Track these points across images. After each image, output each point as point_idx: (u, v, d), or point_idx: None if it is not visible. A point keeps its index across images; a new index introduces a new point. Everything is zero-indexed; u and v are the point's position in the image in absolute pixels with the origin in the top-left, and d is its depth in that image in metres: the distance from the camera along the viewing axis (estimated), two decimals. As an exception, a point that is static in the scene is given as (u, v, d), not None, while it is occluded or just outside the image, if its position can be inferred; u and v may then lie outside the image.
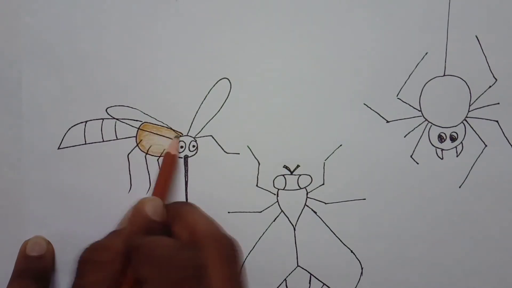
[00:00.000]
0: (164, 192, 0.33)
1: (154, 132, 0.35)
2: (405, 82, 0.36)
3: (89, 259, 0.28)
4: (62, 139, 0.34)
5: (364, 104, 0.36)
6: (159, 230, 0.30)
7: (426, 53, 0.36)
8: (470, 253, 0.38)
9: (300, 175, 0.36)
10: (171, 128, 0.35)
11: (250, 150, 0.36)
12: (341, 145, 0.36)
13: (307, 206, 0.37)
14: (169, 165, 0.34)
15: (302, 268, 0.37)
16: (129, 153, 0.35)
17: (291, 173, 0.36)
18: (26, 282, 0.33)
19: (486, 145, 0.37)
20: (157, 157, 0.35)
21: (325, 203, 0.37)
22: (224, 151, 0.36)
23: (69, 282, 0.35)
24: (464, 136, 0.37)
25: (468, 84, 0.36)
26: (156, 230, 0.30)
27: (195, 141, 0.35)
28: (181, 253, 0.27)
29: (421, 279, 0.38)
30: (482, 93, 0.37)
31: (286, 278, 0.37)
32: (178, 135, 0.35)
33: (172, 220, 0.31)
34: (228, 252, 0.28)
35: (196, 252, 0.28)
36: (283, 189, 0.36)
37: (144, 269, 0.27)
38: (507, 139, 0.37)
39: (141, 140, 0.35)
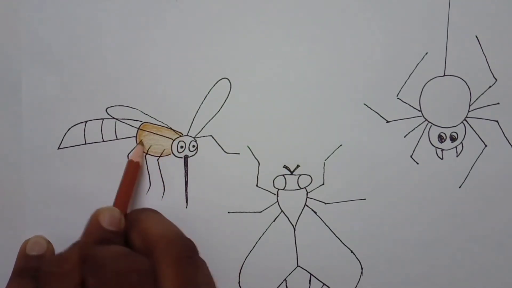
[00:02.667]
0: (125, 201, 0.33)
1: (154, 132, 0.35)
2: (405, 82, 0.36)
3: (49, 271, 0.28)
4: (62, 139, 0.34)
5: (364, 104, 0.36)
6: (116, 240, 0.30)
7: (426, 53, 0.36)
8: (470, 253, 0.38)
9: (300, 175, 0.36)
10: (171, 128, 0.35)
11: (250, 150, 0.36)
12: (341, 145, 0.36)
13: (307, 206, 0.37)
14: (130, 173, 0.33)
15: (302, 268, 0.37)
16: (129, 153, 0.35)
17: (291, 173, 0.36)
18: (25, 281, 0.33)
19: (486, 145, 0.37)
20: (157, 157, 0.35)
21: (325, 203, 0.37)
22: (224, 151, 0.36)
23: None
24: (464, 136, 0.37)
25: (468, 84, 0.36)
26: (113, 240, 0.29)
27: (195, 141, 0.35)
28: (127, 259, 0.27)
29: (421, 279, 0.38)
30: (482, 93, 0.37)
31: (286, 278, 0.37)
32: (141, 142, 0.34)
33: (129, 227, 0.30)
34: (181, 254, 0.28)
35: (144, 257, 0.27)
36: (283, 189, 0.36)
37: (93, 279, 0.27)
38: (507, 139, 0.37)
39: (141, 140, 0.35)
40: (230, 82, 0.35)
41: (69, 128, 0.34)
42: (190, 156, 0.35)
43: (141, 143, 0.34)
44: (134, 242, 0.30)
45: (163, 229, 0.29)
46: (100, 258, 0.27)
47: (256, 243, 0.36)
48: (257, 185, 0.36)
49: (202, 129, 0.35)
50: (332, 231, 0.37)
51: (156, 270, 0.27)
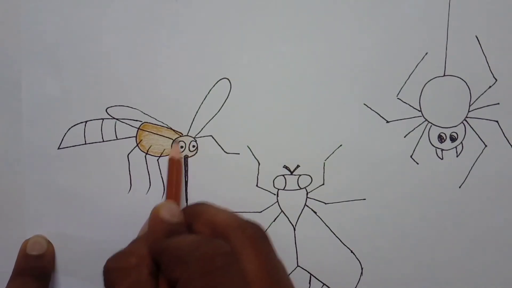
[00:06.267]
0: (177, 195, 0.33)
1: (154, 132, 0.35)
2: (405, 82, 0.36)
3: (115, 267, 0.28)
4: (62, 139, 0.34)
5: (364, 104, 0.36)
6: (181, 231, 0.30)
7: (426, 53, 0.36)
8: (470, 253, 0.38)
9: (300, 175, 0.36)
10: (171, 128, 0.35)
11: (250, 150, 0.36)
12: (341, 145, 0.36)
13: (307, 206, 0.37)
14: (175, 170, 0.34)
15: (302, 268, 0.37)
16: (129, 153, 0.35)
17: (291, 173, 0.36)
18: (26, 281, 0.33)
19: (486, 145, 0.37)
20: (157, 157, 0.35)
21: (325, 203, 0.37)
22: (224, 151, 0.36)
23: (69, 282, 0.36)
24: (464, 136, 0.37)
25: (468, 84, 0.36)
26: (179, 231, 0.30)
27: (195, 141, 0.35)
28: (207, 244, 0.27)
29: (421, 279, 0.38)
30: (482, 93, 0.37)
31: (286, 278, 0.37)
32: (178, 139, 0.35)
33: (191, 220, 0.31)
34: (255, 235, 0.28)
35: (222, 241, 0.27)
36: (283, 189, 0.36)
37: (174, 271, 0.27)
38: (507, 139, 0.37)
39: (141, 140, 0.35)
40: (230, 82, 0.35)
41: (69, 128, 0.34)
42: (190, 156, 0.35)
43: (176, 141, 0.35)
44: (201, 233, 0.30)
45: (229, 215, 0.30)
46: (180, 248, 0.27)
47: (256, 243, 0.36)
48: (257, 185, 0.36)
49: (202, 129, 0.35)
50: (332, 231, 0.37)
51: (236, 253, 0.27)
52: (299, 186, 0.36)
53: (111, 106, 0.34)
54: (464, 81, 0.36)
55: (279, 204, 0.36)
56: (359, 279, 0.37)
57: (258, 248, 0.28)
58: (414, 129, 0.37)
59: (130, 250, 0.29)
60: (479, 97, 0.37)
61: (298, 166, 0.36)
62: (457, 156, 0.37)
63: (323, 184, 0.36)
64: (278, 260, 0.28)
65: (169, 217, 0.30)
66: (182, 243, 0.28)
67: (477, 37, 0.36)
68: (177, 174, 0.34)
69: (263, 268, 0.27)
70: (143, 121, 0.35)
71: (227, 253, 0.27)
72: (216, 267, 0.26)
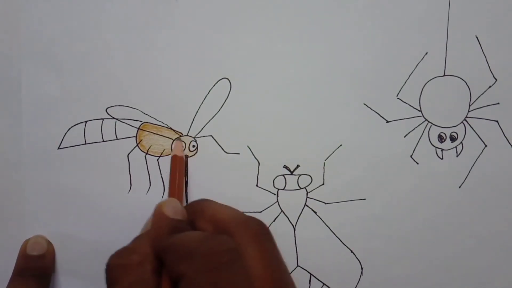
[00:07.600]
0: (179, 192, 0.33)
1: (154, 132, 0.35)
2: (405, 82, 0.36)
3: (118, 264, 0.28)
4: (62, 139, 0.34)
5: (364, 104, 0.36)
6: (185, 228, 0.30)
7: (426, 53, 0.36)
8: (470, 253, 0.38)
9: (300, 175, 0.36)
10: (171, 128, 0.35)
11: (250, 150, 0.36)
12: (341, 145, 0.36)
13: (307, 206, 0.37)
14: (178, 167, 0.34)
15: (302, 268, 0.37)
16: (129, 153, 0.35)
17: (291, 173, 0.36)
18: (26, 281, 0.33)
19: (486, 145, 0.37)
20: (157, 157, 0.35)
21: (325, 203, 0.37)
22: (224, 151, 0.36)
23: (69, 282, 0.35)
24: (464, 136, 0.37)
25: (468, 84, 0.36)
26: (182, 228, 0.29)
27: (195, 141, 0.35)
28: (212, 240, 0.27)
29: (421, 279, 0.38)
30: (482, 93, 0.37)
31: (286, 278, 0.37)
32: (179, 136, 0.35)
33: (193, 217, 0.31)
34: (258, 231, 0.28)
35: (227, 236, 0.27)
36: (283, 189, 0.36)
37: (179, 267, 0.26)
38: (507, 139, 0.37)
39: (141, 140, 0.35)
40: (230, 82, 0.35)
41: (69, 128, 0.34)
42: (190, 156, 0.35)
43: (178, 138, 0.35)
44: (204, 229, 0.30)
45: (232, 212, 0.30)
46: (184, 244, 0.27)
47: (256, 243, 0.36)
48: (257, 185, 0.36)
49: (202, 129, 0.35)
50: (332, 231, 0.37)
51: (240, 249, 0.27)
52: (299, 186, 0.36)
53: (111, 106, 0.34)
54: (464, 81, 0.36)
55: (279, 204, 0.36)
56: (359, 279, 0.37)
57: (262, 244, 0.27)
58: (414, 129, 0.37)
59: (133, 247, 0.29)
60: (479, 97, 0.37)
61: (298, 166, 0.36)
62: (457, 156, 0.37)
63: (323, 184, 0.36)
64: (281, 257, 0.28)
65: (173, 214, 0.30)
66: (187, 239, 0.28)
67: (477, 37, 0.36)
68: (179, 171, 0.34)
69: (267, 265, 0.27)
70: (143, 121, 0.35)
71: (233, 249, 0.27)
72: (221, 263, 0.26)
